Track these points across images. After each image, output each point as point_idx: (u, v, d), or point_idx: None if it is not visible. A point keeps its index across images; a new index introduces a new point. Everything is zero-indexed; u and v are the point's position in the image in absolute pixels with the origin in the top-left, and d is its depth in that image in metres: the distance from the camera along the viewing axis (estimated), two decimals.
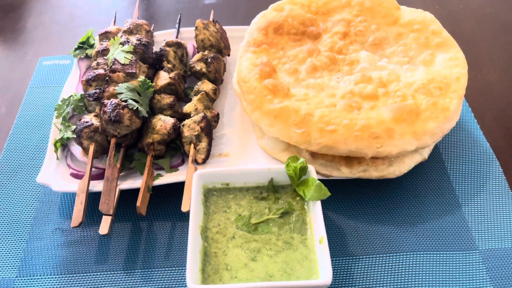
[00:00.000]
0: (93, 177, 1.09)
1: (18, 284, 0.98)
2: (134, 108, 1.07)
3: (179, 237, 1.04)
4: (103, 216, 0.98)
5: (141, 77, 1.13)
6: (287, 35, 1.24)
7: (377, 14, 1.27)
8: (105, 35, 1.32)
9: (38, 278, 0.99)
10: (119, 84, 1.10)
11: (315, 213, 0.95)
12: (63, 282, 0.98)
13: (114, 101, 1.06)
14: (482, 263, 0.98)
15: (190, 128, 1.11)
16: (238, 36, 1.34)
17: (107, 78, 1.12)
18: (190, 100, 1.23)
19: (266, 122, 1.08)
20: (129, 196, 1.07)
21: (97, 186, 1.06)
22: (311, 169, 1.00)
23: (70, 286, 0.97)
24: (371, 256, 1.00)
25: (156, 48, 1.31)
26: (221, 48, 1.30)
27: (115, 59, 1.14)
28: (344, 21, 1.26)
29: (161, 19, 1.68)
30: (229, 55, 1.35)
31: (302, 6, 1.29)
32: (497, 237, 1.03)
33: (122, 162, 1.09)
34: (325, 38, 1.24)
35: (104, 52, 1.26)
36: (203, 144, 1.10)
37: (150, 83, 1.13)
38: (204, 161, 1.12)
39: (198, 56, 1.26)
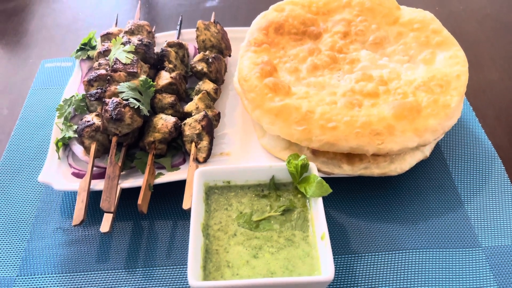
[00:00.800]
0: (94, 176, 1.09)
1: (19, 283, 0.98)
2: (136, 107, 1.07)
3: (180, 235, 1.04)
4: (104, 214, 0.98)
5: (143, 77, 1.14)
6: (288, 35, 1.25)
7: (378, 14, 1.27)
8: (107, 36, 1.32)
9: (39, 277, 0.99)
10: (120, 84, 1.11)
11: (316, 210, 0.94)
12: (64, 281, 0.98)
13: (116, 99, 1.06)
14: (485, 260, 0.98)
15: (191, 126, 1.11)
16: (239, 37, 1.34)
17: (108, 77, 1.12)
18: (191, 100, 1.24)
19: (267, 120, 1.08)
20: (130, 194, 1.07)
21: (99, 185, 1.06)
22: (313, 166, 1.00)
23: (72, 285, 0.97)
24: (373, 254, 0.99)
25: (157, 49, 1.32)
26: (222, 48, 1.31)
27: (116, 58, 1.15)
28: (344, 21, 1.27)
29: (163, 22, 1.69)
30: (230, 55, 1.35)
31: (303, 7, 1.29)
32: (500, 234, 1.02)
33: (124, 161, 1.09)
34: (325, 38, 1.25)
35: (105, 53, 1.26)
36: (204, 143, 1.10)
37: (152, 83, 1.13)
38: (206, 159, 1.12)
39: (199, 56, 1.26)
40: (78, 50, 1.36)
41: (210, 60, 1.24)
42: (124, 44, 1.20)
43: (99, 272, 0.99)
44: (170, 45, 1.29)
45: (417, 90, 1.09)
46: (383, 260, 0.98)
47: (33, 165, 1.20)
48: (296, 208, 0.99)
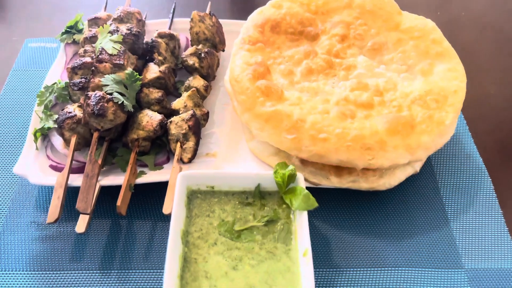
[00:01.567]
0: (73, 170, 1.04)
1: None
2: (119, 102, 1.02)
3: (159, 238, 1.01)
4: (80, 215, 0.94)
5: (129, 69, 1.08)
6: (284, 34, 1.20)
7: (378, 18, 1.23)
8: (94, 21, 1.26)
9: (9, 274, 0.95)
10: (105, 76, 1.05)
11: (301, 223, 0.92)
12: (35, 279, 0.94)
13: (99, 93, 1.01)
14: (467, 282, 0.97)
15: (177, 125, 1.07)
16: (235, 31, 1.28)
17: (93, 68, 1.07)
18: (179, 95, 1.19)
19: (256, 125, 1.04)
20: (110, 191, 1.03)
21: (77, 180, 1.02)
22: (300, 177, 0.97)
23: (43, 284, 0.93)
24: (355, 269, 0.97)
25: (147, 38, 1.26)
26: (216, 42, 1.25)
27: (102, 48, 1.09)
28: (343, 23, 1.22)
29: (155, 8, 1.62)
30: (223, 50, 1.30)
31: (301, 5, 1.24)
32: (484, 256, 1.01)
33: (105, 157, 1.05)
34: (323, 40, 1.20)
35: (92, 39, 1.20)
36: (190, 144, 1.06)
37: (138, 76, 1.08)
38: (190, 160, 1.08)
39: (191, 50, 1.21)
40: (63, 33, 1.29)
41: (203, 55, 1.19)
42: (111, 33, 1.14)
43: (73, 272, 0.95)
44: (161, 35, 1.24)
45: (413, 104, 1.06)
46: (364, 276, 0.96)
47: (9, 154, 1.15)
48: (280, 219, 0.96)
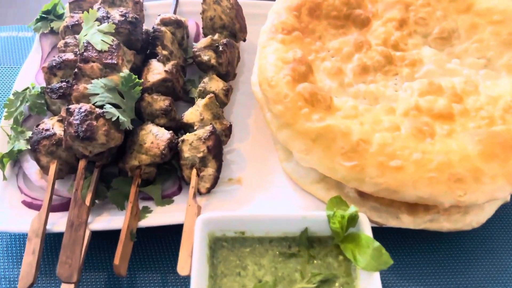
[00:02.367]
0: (53, 208, 0.78)
1: None
2: (114, 119, 0.74)
3: None
4: (62, 284, 0.67)
5: (125, 71, 0.81)
6: (326, 19, 0.96)
7: None
8: (77, 4, 1.00)
9: None
10: (92, 80, 0.78)
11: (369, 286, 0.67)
12: None
13: (85, 107, 0.74)
14: None
15: (192, 146, 0.80)
16: (258, 14, 1.06)
17: (76, 70, 0.79)
18: (191, 100, 0.92)
19: (300, 147, 0.78)
20: (104, 235, 0.77)
21: (60, 223, 0.76)
22: (364, 220, 0.72)
23: None
24: None
25: (147, 25, 0.98)
26: (235, 30, 0.98)
27: (88, 42, 0.81)
28: (400, 4, 0.99)
29: None
30: (245, 40, 1.02)
31: None
32: None
33: (96, 189, 0.78)
34: (376, 27, 0.96)
35: (74, 28, 0.94)
36: (209, 170, 0.80)
37: (137, 80, 0.81)
38: (209, 190, 0.83)
39: (205, 41, 0.94)
40: (38, 20, 1.04)
41: (221, 48, 0.92)
42: (100, 20, 0.86)
43: None
44: (164, 22, 0.96)
45: (506, 114, 0.81)
46: None
47: None
48: (337, 278, 0.72)
